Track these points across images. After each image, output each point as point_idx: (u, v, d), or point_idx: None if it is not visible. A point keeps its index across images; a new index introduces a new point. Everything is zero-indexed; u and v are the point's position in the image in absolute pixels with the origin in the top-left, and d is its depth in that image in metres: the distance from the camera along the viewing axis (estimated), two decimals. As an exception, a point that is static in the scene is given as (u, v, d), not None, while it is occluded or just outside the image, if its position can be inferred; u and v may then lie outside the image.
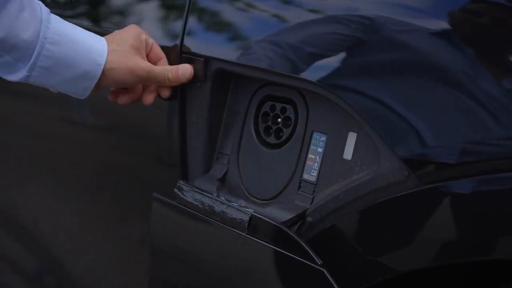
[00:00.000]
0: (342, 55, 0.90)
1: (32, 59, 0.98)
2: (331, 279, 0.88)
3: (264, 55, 0.97)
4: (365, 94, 0.87)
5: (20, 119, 1.59)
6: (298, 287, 0.93)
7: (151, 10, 1.20)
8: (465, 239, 0.80)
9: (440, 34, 0.82)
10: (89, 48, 1.01)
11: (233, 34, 1.05)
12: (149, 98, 1.11)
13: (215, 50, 1.06)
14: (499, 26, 0.80)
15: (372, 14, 0.87)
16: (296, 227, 0.96)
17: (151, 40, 1.09)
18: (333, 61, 0.91)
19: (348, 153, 0.93)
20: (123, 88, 1.11)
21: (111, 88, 1.11)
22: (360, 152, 0.91)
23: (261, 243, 0.95)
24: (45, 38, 0.98)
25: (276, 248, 0.93)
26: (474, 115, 0.79)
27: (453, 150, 0.80)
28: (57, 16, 1.01)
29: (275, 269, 0.95)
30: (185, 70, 1.07)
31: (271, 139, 1.03)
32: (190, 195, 1.04)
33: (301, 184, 0.99)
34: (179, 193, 1.06)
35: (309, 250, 0.90)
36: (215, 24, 1.08)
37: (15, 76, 1.00)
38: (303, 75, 0.93)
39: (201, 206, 1.02)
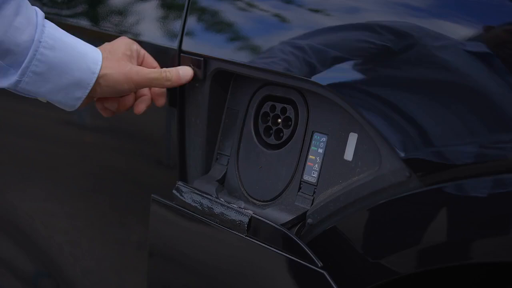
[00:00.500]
0: (347, 57, 0.90)
1: (24, 63, 0.95)
2: (331, 282, 0.87)
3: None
4: (366, 94, 0.87)
5: (17, 120, 1.59)
6: None
7: (150, 10, 1.19)
8: (468, 241, 0.80)
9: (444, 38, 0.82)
10: (84, 55, 0.99)
11: (233, 34, 1.05)
12: (140, 107, 1.08)
13: (215, 49, 1.05)
14: None
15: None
16: (296, 228, 0.95)
17: (143, 51, 1.08)
18: (335, 61, 0.91)
19: (349, 154, 0.92)
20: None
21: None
22: (361, 153, 0.91)
23: (260, 245, 0.94)
24: (40, 42, 0.96)
25: (276, 250, 0.93)
26: (476, 116, 0.78)
27: (455, 151, 0.79)
28: (51, 22, 1.00)
29: (275, 271, 0.94)
30: (185, 71, 1.06)
31: (271, 140, 1.03)
32: (188, 196, 1.04)
33: (301, 185, 0.98)
34: (178, 195, 1.05)
35: (309, 252, 0.89)
36: (215, 23, 1.08)
37: (5, 82, 0.97)
38: (305, 75, 0.93)
39: (200, 208, 1.02)
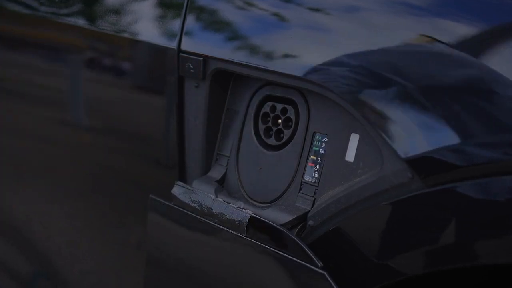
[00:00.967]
0: (348, 57, 0.90)
1: None
2: (332, 282, 0.86)
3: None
4: (368, 94, 0.86)
5: (14, 120, 1.58)
6: None
7: (148, 9, 1.19)
8: (471, 243, 0.79)
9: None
10: None
11: (233, 33, 1.04)
12: None
13: (214, 49, 1.05)
14: None
15: None
16: (297, 230, 0.95)
17: None
18: (336, 61, 0.90)
19: (350, 155, 0.92)
20: None
21: None
22: (362, 153, 0.90)
23: (260, 245, 0.93)
24: None
25: (276, 250, 0.92)
26: (480, 116, 0.78)
27: (458, 152, 0.78)
28: None
29: (275, 271, 0.94)
30: None
31: (271, 141, 1.02)
32: (187, 197, 1.03)
33: (302, 186, 0.97)
34: (176, 195, 1.05)
35: (309, 253, 0.89)
36: (214, 22, 1.07)
37: None
38: (306, 75, 0.92)
39: (198, 208, 1.01)
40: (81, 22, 1.30)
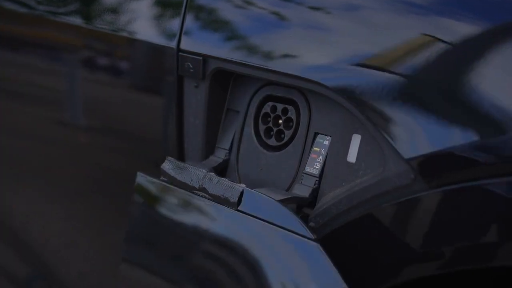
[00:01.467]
0: (349, 57, 0.89)
1: None
2: (325, 254, 0.85)
3: None
4: (370, 94, 0.85)
5: (11, 120, 1.58)
6: (292, 263, 0.90)
7: (147, 7, 1.18)
8: (473, 245, 0.79)
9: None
10: None
11: (233, 32, 1.03)
12: None
13: (214, 48, 1.04)
14: None
15: None
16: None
17: None
18: (337, 61, 0.90)
19: (352, 156, 0.91)
20: None
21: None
22: (364, 154, 0.90)
23: (253, 218, 0.91)
24: None
25: (269, 223, 0.90)
26: (483, 117, 0.77)
27: (461, 152, 0.78)
28: None
29: (268, 245, 0.92)
30: None
31: (272, 141, 1.02)
32: (178, 171, 1.02)
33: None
34: (166, 170, 1.03)
35: (303, 225, 0.87)
36: (214, 21, 1.07)
37: None
38: (307, 75, 0.92)
39: (189, 183, 0.99)
40: (79, 21, 1.30)
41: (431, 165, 0.80)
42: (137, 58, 1.24)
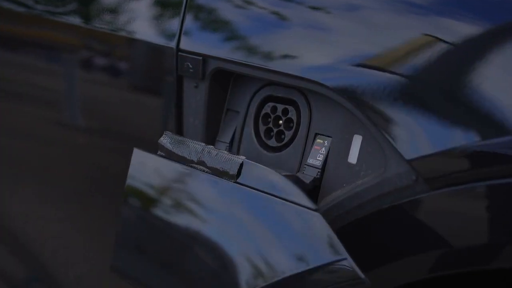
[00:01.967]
0: (351, 57, 0.89)
1: None
2: (326, 223, 0.84)
3: None
4: (371, 95, 0.85)
5: (9, 121, 1.58)
6: (294, 233, 0.90)
7: (147, 7, 1.18)
8: (474, 246, 0.79)
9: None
10: None
11: (233, 32, 1.03)
12: None
13: (214, 48, 1.04)
14: None
15: None
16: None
17: None
18: (338, 61, 0.90)
19: (353, 157, 0.91)
20: None
21: None
22: (365, 155, 0.90)
23: (253, 190, 0.91)
24: None
25: (269, 195, 0.89)
26: (485, 117, 0.77)
27: (463, 153, 0.78)
28: None
29: (269, 216, 0.91)
30: None
31: (272, 142, 1.01)
32: (176, 146, 1.01)
33: None
34: (164, 144, 1.02)
35: (303, 195, 0.87)
36: (214, 21, 1.06)
37: None
38: (307, 75, 0.91)
39: (187, 157, 0.99)
40: (78, 20, 1.29)
41: (433, 166, 0.80)
42: (137, 58, 1.24)
